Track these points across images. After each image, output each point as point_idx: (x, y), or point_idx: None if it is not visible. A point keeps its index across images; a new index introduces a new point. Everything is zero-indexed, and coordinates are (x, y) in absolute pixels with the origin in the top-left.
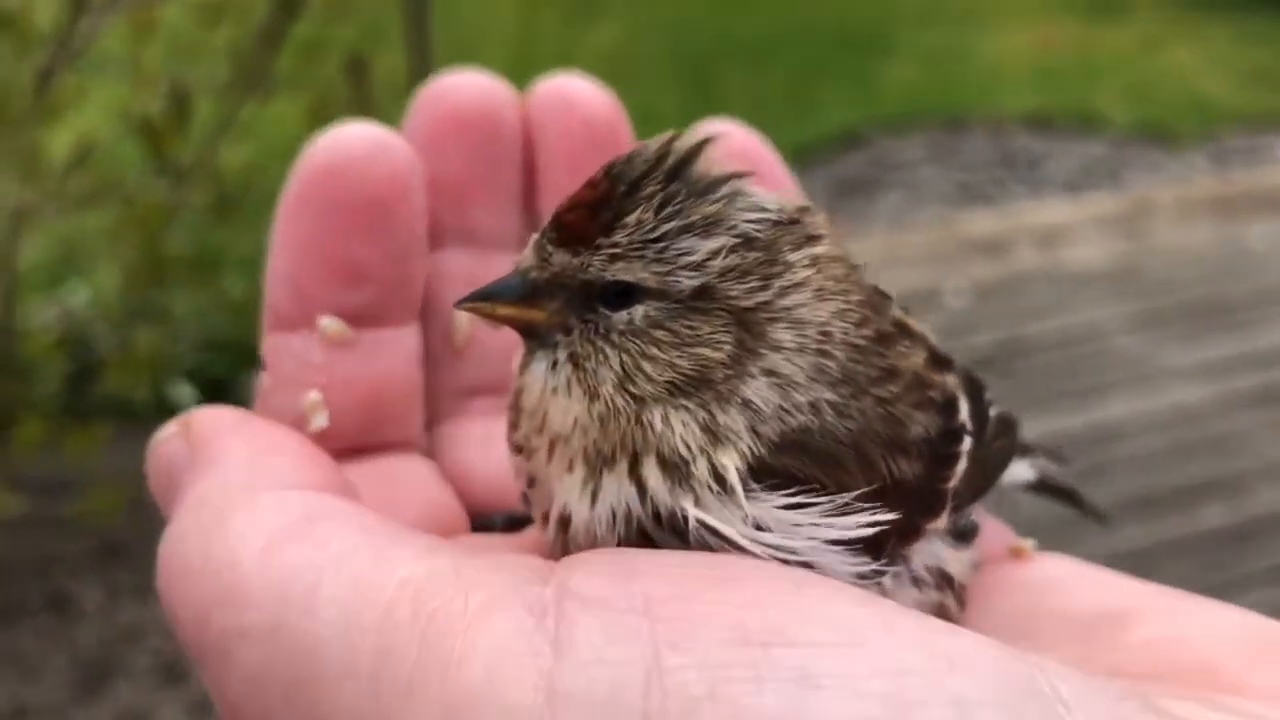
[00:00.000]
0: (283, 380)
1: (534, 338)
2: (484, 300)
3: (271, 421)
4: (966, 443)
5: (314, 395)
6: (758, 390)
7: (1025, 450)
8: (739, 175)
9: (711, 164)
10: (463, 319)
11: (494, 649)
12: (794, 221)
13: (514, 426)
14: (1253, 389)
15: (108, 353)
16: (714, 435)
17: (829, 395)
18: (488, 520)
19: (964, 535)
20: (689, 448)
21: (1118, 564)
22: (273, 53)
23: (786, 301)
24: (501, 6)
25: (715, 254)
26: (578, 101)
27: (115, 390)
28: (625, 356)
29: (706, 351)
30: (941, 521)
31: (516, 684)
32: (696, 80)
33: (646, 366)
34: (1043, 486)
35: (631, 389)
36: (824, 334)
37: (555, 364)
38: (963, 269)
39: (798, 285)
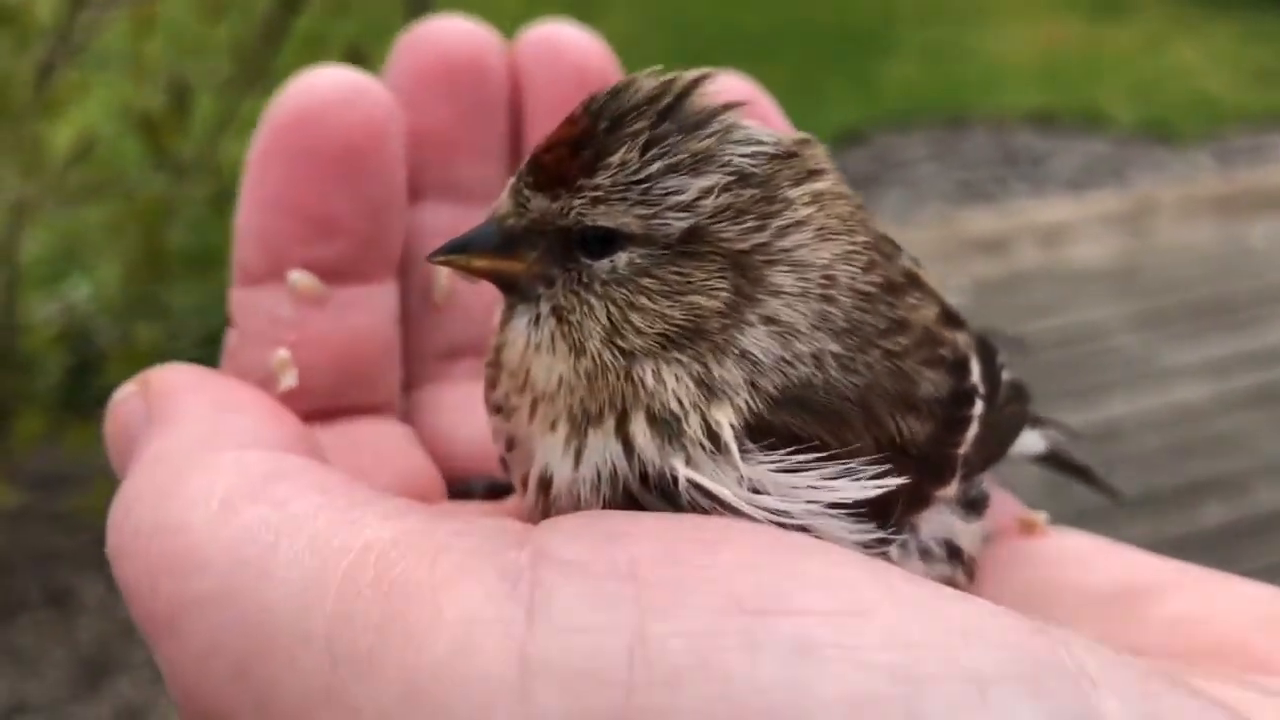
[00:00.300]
0: (250, 337)
1: (514, 291)
2: (458, 252)
3: (235, 379)
4: (978, 406)
5: (282, 353)
6: (757, 340)
7: (1037, 420)
8: (732, 106)
9: (705, 98)
10: (442, 275)
11: (462, 616)
12: (791, 155)
13: (492, 385)
14: (1254, 388)
15: (108, 347)
16: (709, 389)
17: (834, 346)
18: (466, 487)
19: (974, 505)
20: (681, 403)
21: None
22: (274, 47)
23: (786, 242)
24: (503, 1)
25: (707, 193)
26: (567, 48)
27: (116, 384)
28: (612, 307)
29: (700, 299)
30: (951, 489)
31: (486, 654)
32: None
33: (635, 318)
34: (1054, 459)
35: (620, 342)
36: (828, 278)
37: (538, 318)
38: (964, 267)
39: (798, 224)
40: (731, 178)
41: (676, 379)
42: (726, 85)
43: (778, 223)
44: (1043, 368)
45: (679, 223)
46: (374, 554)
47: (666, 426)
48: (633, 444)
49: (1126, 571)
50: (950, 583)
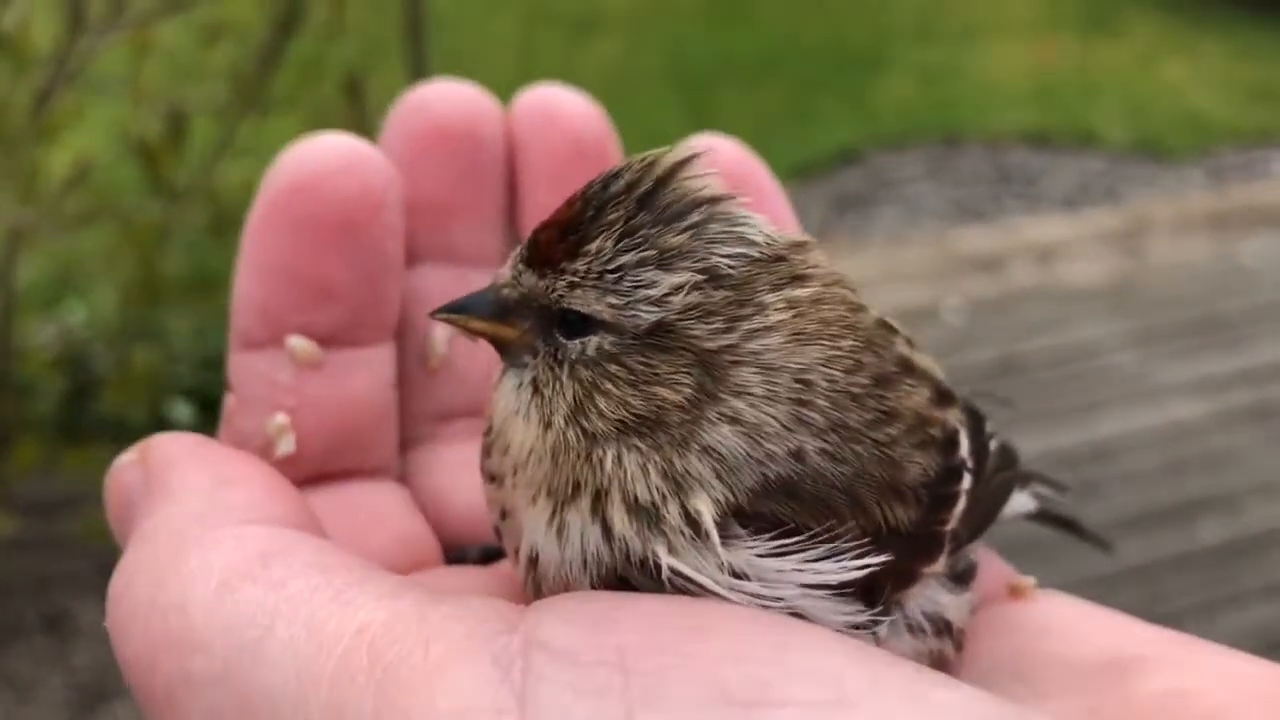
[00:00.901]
0: (249, 402)
1: (507, 355)
2: (457, 313)
3: (233, 449)
4: (966, 480)
5: (280, 418)
6: (721, 438)
7: (1025, 479)
8: (719, 199)
9: (693, 186)
10: (439, 339)
11: (456, 706)
12: (778, 259)
13: (487, 453)
14: (1248, 405)
15: (105, 372)
16: (675, 482)
17: (816, 443)
18: (462, 553)
19: (962, 577)
20: (653, 492)
21: (1117, 581)
22: (271, 72)
23: (754, 345)
24: (500, 24)
25: (677, 290)
26: (562, 115)
27: (113, 409)
28: (578, 388)
29: (663, 391)
30: (939, 565)
31: None
32: (695, 97)
33: (600, 401)
34: (1043, 516)
35: (583, 423)
36: (803, 382)
37: (520, 385)
38: (959, 286)
39: (768, 329)
40: (703, 276)
41: (639, 467)
42: (723, 156)
43: (747, 326)
44: (1038, 387)
45: (648, 315)
46: (368, 638)
47: (645, 514)
48: (611, 529)
49: (1114, 641)
50: (939, 656)
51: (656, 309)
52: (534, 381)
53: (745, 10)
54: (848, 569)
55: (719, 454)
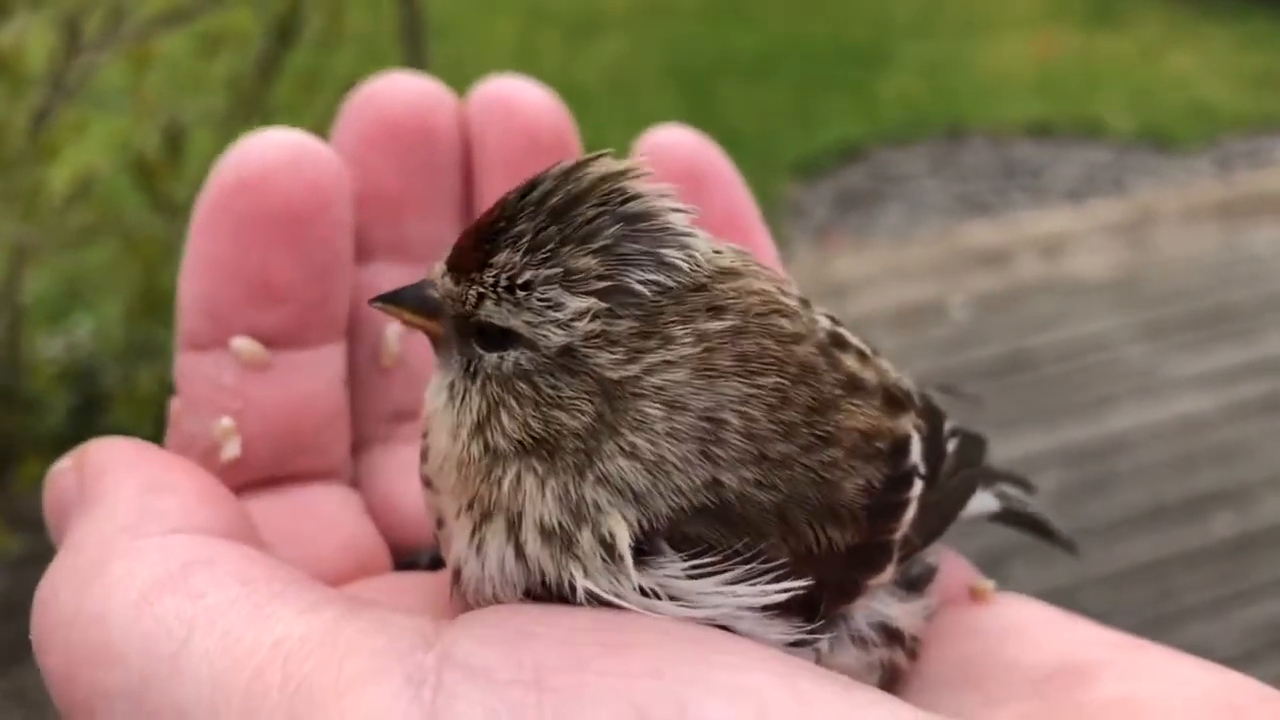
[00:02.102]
0: (194, 404)
1: (437, 352)
2: (392, 302)
3: (170, 455)
4: (917, 487)
5: (226, 421)
6: (619, 470)
7: (989, 479)
8: (646, 216)
9: (614, 200)
10: (392, 337)
11: None
12: (698, 287)
13: (424, 457)
14: (1260, 397)
15: (112, 386)
16: (575, 512)
17: (736, 475)
18: (413, 558)
19: (915, 583)
20: (562, 516)
21: (1127, 577)
22: (270, 81)
23: (656, 380)
24: (499, 26)
25: (581, 315)
26: (519, 106)
27: (120, 424)
28: (485, 402)
29: (562, 416)
30: (887, 575)
31: None
32: (696, 96)
33: (503, 418)
34: (1008, 516)
35: (486, 438)
36: (711, 420)
37: (438, 388)
38: (965, 281)
39: (672, 364)
40: (607, 304)
41: (537, 490)
42: (680, 150)
43: (650, 359)
44: (1046, 382)
45: (557, 338)
46: (283, 653)
47: (558, 539)
48: (524, 552)
49: (1067, 647)
50: (890, 665)
51: (563, 332)
52: (450, 387)
53: (746, 8)
54: (765, 593)
55: (616, 486)
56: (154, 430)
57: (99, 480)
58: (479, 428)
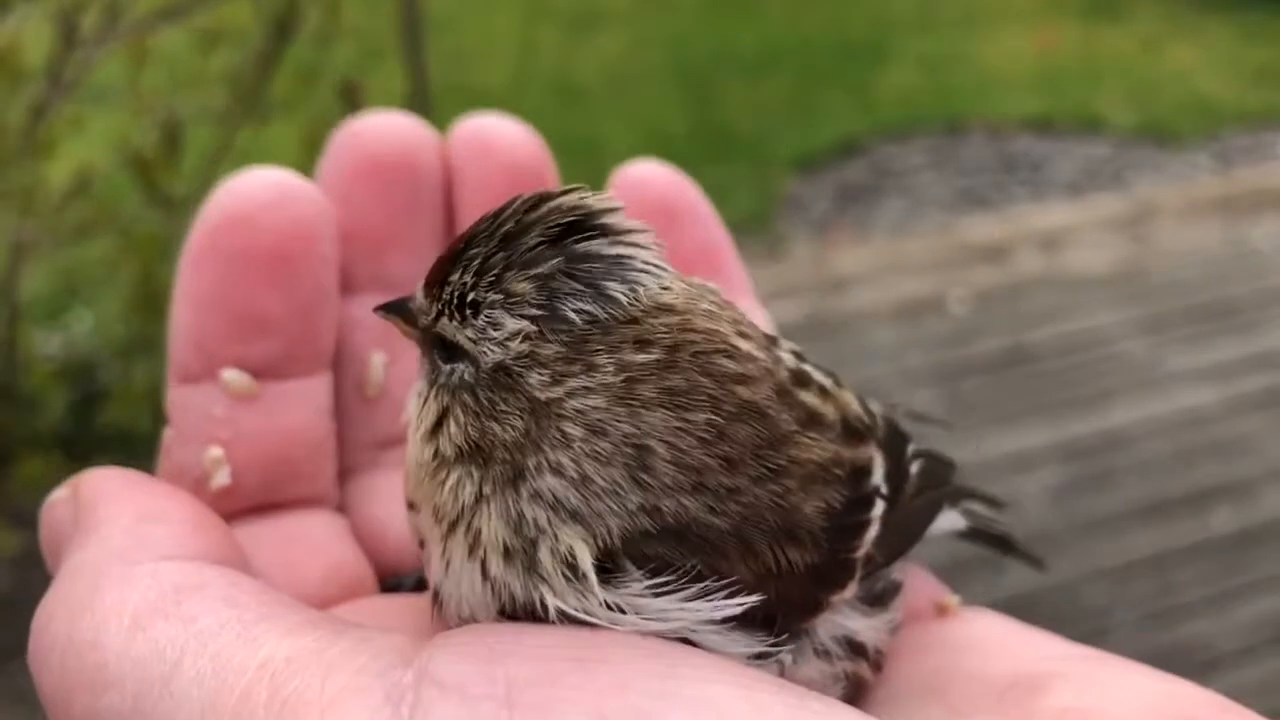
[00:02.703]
0: (185, 435)
1: (420, 361)
2: (391, 311)
3: (162, 484)
4: (878, 507)
5: (215, 451)
6: (549, 486)
7: (956, 497)
8: (592, 251)
9: (555, 230)
10: (377, 368)
11: None
12: (630, 320)
13: (408, 478)
14: (1260, 391)
15: (109, 382)
16: (518, 530)
17: (675, 501)
18: (397, 581)
19: (879, 599)
20: (509, 536)
21: (1128, 572)
22: (268, 77)
23: (576, 403)
24: (500, 21)
25: (514, 335)
26: (497, 145)
27: (117, 420)
28: (438, 410)
29: (495, 427)
30: (849, 591)
31: None
32: (696, 92)
33: (451, 427)
34: (974, 534)
35: (438, 443)
36: (637, 447)
37: (413, 395)
38: (965, 275)
39: (592, 390)
40: (536, 328)
41: (484, 505)
42: (656, 184)
43: (572, 383)
44: (1046, 376)
45: (493, 355)
46: (269, 672)
47: (519, 558)
48: (489, 573)
49: (1024, 660)
50: (855, 677)
51: (499, 350)
52: (418, 394)
53: (746, 4)
54: (720, 609)
55: (549, 502)
56: (151, 426)
57: (93, 510)
58: (431, 434)
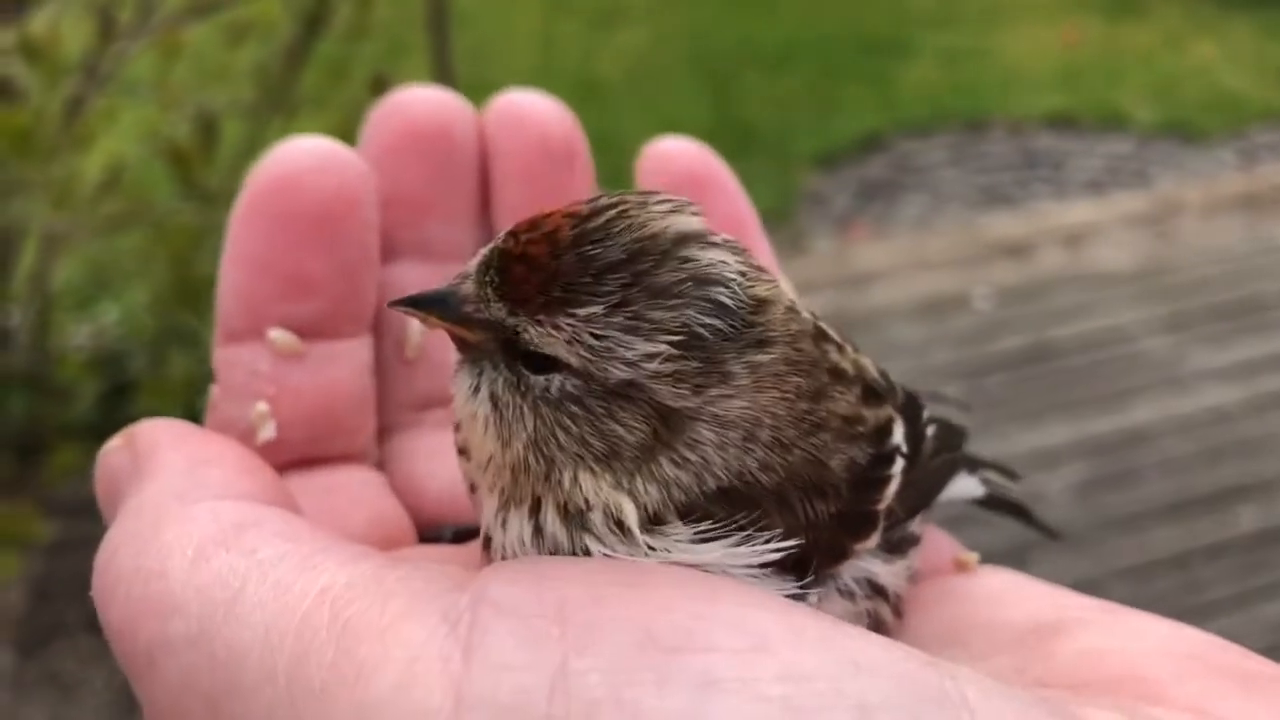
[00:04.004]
0: (232, 391)
1: (464, 352)
2: (416, 307)
3: (213, 433)
4: (899, 464)
5: (261, 406)
6: (669, 470)
7: (974, 465)
8: (708, 269)
9: (682, 255)
10: (415, 331)
11: (406, 655)
12: (749, 326)
13: (458, 428)
14: None
15: (140, 373)
16: (618, 493)
17: (755, 463)
18: (436, 533)
19: (897, 546)
20: (588, 500)
21: (1151, 570)
22: (297, 72)
23: (715, 409)
24: (522, 15)
25: (651, 357)
26: (531, 119)
27: (148, 411)
28: (539, 421)
29: (620, 431)
30: (873, 540)
31: (426, 689)
32: (717, 86)
33: (560, 435)
34: (992, 502)
35: (544, 450)
36: (750, 432)
37: (476, 390)
38: (987, 272)
39: (729, 396)
40: (678, 349)
41: (593, 485)
42: (684, 159)
43: (712, 392)
44: (1069, 373)
45: (619, 374)
46: (330, 597)
47: (574, 519)
48: (542, 529)
49: (1043, 608)
50: (876, 618)
51: (628, 369)
52: (492, 396)
53: None
54: (760, 553)
55: (667, 479)
56: (183, 415)
57: (151, 456)
58: (535, 440)
